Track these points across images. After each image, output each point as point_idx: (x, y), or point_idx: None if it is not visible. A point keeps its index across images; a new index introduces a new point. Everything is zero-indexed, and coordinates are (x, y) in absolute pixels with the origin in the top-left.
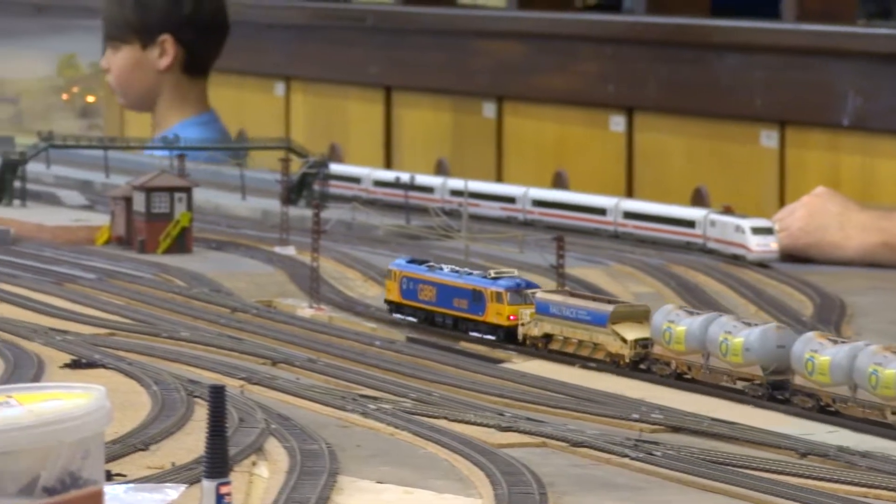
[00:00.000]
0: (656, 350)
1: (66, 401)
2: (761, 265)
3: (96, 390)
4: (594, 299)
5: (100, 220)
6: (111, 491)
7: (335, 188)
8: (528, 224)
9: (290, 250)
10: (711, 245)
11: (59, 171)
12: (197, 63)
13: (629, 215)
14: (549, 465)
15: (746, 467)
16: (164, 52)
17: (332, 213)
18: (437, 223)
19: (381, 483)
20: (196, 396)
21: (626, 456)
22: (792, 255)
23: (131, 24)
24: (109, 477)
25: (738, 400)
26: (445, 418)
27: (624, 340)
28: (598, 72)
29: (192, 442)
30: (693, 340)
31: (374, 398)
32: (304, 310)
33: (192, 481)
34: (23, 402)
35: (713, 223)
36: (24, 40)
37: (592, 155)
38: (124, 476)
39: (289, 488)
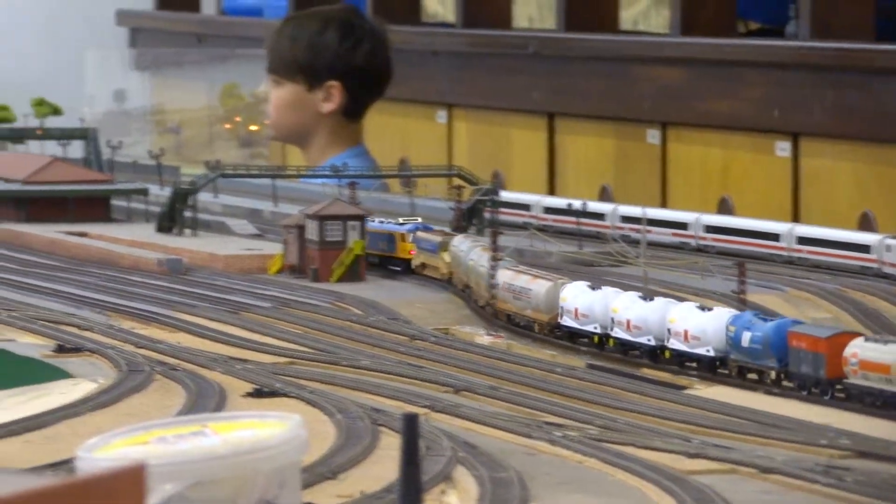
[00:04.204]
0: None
1: (261, 430)
2: None
3: (291, 419)
4: (443, 233)
5: (271, 248)
6: None
7: (504, 215)
8: (699, 250)
9: None
10: (887, 270)
11: (226, 200)
12: (357, 108)
13: (803, 240)
14: (740, 492)
15: None
16: (330, 98)
17: (507, 240)
18: (614, 249)
19: None
20: (380, 425)
21: (817, 482)
22: None
23: (300, 63)
24: None
25: None
26: (633, 445)
27: (445, 262)
28: (763, 97)
29: (379, 470)
30: None
31: (560, 425)
32: (483, 337)
33: None
34: (218, 431)
35: (889, 248)
36: (185, 70)
37: (758, 180)
38: None
39: None
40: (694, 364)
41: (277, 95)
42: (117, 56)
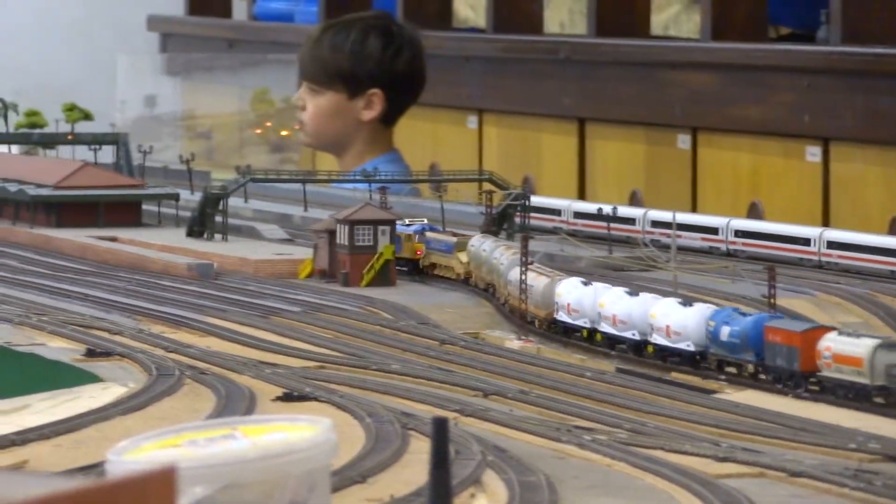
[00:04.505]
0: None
1: (291, 433)
2: None
3: (322, 423)
4: (453, 234)
5: (301, 253)
6: None
7: (534, 220)
8: (730, 255)
9: None
10: None
11: (257, 204)
12: (394, 115)
13: (833, 245)
14: (769, 496)
15: None
16: (371, 106)
17: (538, 244)
18: (644, 254)
19: None
20: (410, 429)
21: (846, 486)
22: None
23: (343, 72)
24: None
25: None
26: (662, 449)
27: (461, 262)
28: (794, 102)
29: (409, 475)
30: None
31: (589, 429)
32: (513, 341)
33: None
34: (248, 434)
35: None
36: (216, 75)
37: (788, 185)
38: None
39: None
40: (676, 359)
41: (316, 104)
42: (148, 61)
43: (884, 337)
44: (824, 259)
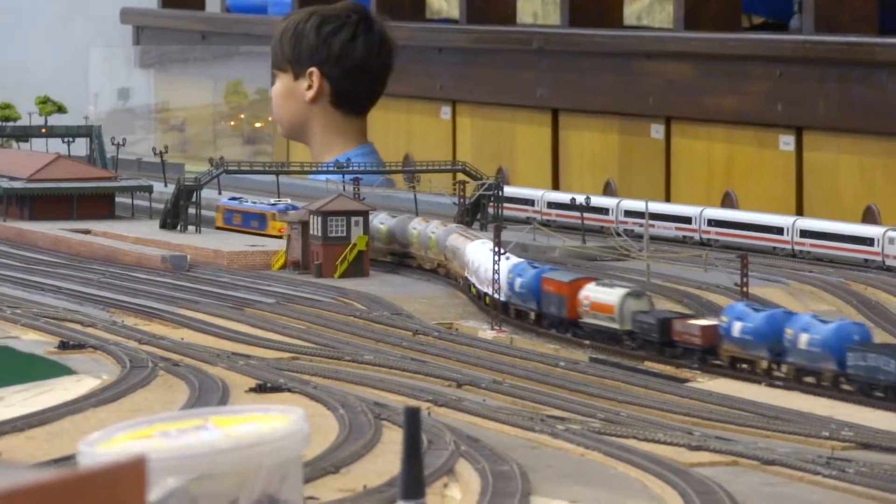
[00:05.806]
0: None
1: (263, 423)
2: None
3: (294, 413)
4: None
5: (275, 244)
6: None
7: (507, 210)
8: (703, 244)
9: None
10: (889, 262)
11: (230, 196)
12: (348, 99)
13: (806, 234)
14: (741, 484)
15: None
16: (311, 85)
17: (510, 234)
18: (617, 243)
19: (575, 503)
20: (383, 419)
21: (819, 473)
22: None
23: (286, 53)
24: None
25: None
26: (635, 438)
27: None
28: (767, 91)
29: (381, 465)
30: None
31: (562, 419)
32: (486, 332)
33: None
34: (220, 425)
35: (891, 241)
36: (189, 68)
37: (762, 175)
38: (317, 499)
39: None
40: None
41: (274, 89)
42: (122, 54)
43: (632, 286)
44: (797, 248)
